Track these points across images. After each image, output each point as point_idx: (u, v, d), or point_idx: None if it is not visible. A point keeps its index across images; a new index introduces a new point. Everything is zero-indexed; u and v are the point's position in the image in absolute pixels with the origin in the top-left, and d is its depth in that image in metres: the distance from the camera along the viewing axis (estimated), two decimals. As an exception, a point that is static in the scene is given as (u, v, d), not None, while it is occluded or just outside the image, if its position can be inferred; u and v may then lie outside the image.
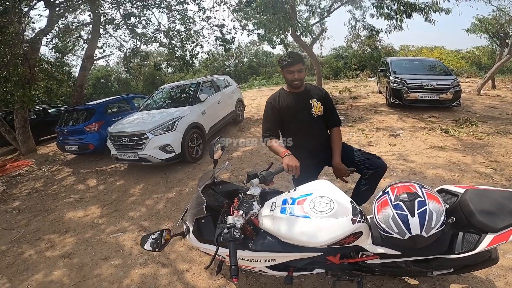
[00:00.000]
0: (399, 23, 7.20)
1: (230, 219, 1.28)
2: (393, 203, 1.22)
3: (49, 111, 9.94)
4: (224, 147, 1.77)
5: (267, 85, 18.66)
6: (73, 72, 12.83)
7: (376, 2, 7.32)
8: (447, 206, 1.42)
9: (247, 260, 1.48)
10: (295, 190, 1.52)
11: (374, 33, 8.84)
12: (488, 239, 1.20)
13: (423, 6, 6.57)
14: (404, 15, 6.81)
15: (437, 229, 1.17)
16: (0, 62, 5.91)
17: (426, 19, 6.65)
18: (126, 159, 4.61)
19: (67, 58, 12.69)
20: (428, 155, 3.99)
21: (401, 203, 1.20)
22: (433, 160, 3.83)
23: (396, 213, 1.18)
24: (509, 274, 1.86)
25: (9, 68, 5.82)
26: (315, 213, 1.31)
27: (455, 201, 1.40)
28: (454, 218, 1.29)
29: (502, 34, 11.47)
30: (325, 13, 9.33)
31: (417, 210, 1.16)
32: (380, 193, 1.36)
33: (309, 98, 1.94)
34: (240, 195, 1.51)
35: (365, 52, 22.20)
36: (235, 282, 1.31)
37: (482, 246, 1.21)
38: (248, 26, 8.16)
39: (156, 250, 1.43)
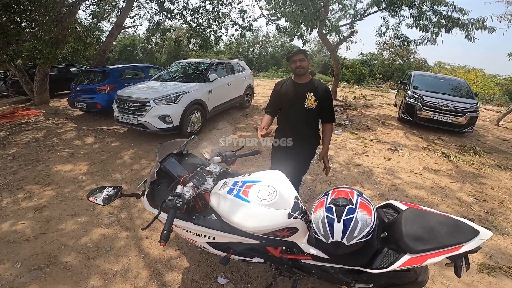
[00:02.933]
0: (433, 36, 6.92)
1: (178, 189, 1.32)
2: (326, 205, 1.25)
3: (71, 69, 10.35)
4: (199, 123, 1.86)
5: (285, 78, 18.37)
6: (103, 37, 13.18)
7: (416, 13, 7.00)
8: (386, 220, 1.44)
9: (190, 232, 1.53)
10: (249, 175, 1.56)
11: (405, 43, 8.50)
12: (403, 259, 1.21)
13: (466, 22, 6.28)
14: (443, 29, 6.55)
15: (359, 239, 1.18)
16: (37, 22, 6.18)
17: (466, 36, 6.37)
18: (126, 122, 4.84)
19: (100, 24, 12.98)
20: (418, 175, 3.93)
21: (333, 207, 1.22)
22: (421, 180, 3.77)
23: (326, 215, 1.21)
24: None
25: (44, 27, 6.08)
26: (256, 200, 1.34)
27: (394, 217, 1.41)
28: (387, 233, 1.31)
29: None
30: (358, 15, 9.03)
31: (344, 216, 1.18)
32: (322, 194, 1.39)
33: (306, 90, 2.10)
34: (198, 169, 1.55)
35: (395, 62, 21.44)
36: (162, 246, 1.38)
37: (396, 265, 1.21)
38: (274, 16, 8.06)
39: (102, 203, 1.50)
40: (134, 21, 10.68)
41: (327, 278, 1.60)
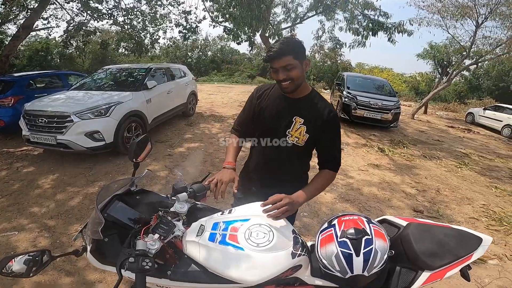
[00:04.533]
0: (364, 39, 7.53)
1: (140, 244, 0.99)
2: (338, 240, 1.12)
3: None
4: (149, 147, 1.43)
5: (226, 82, 18.30)
6: (7, 41, 10.89)
7: (348, 17, 7.60)
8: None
9: None
10: (230, 211, 1.26)
11: (338, 46, 9.22)
12: (424, 276, 1.17)
13: (389, 25, 6.96)
14: (371, 32, 7.13)
15: (379, 267, 1.10)
16: None
17: (389, 39, 7.03)
18: (40, 143, 3.94)
19: (4, 27, 10.71)
20: (365, 172, 4.21)
21: (348, 241, 1.10)
22: (369, 177, 4.03)
23: (341, 251, 1.09)
24: None
25: None
26: (250, 245, 1.12)
27: (396, 233, 1.36)
28: (393, 252, 1.22)
29: (446, 62, 13.05)
30: (299, 19, 9.47)
31: (363, 249, 1.08)
32: (326, 225, 1.22)
33: (296, 113, 1.31)
34: (160, 213, 1.19)
35: (326, 64, 23.38)
36: None
37: (418, 283, 1.16)
38: (218, 18, 7.84)
39: (25, 275, 0.98)
40: (48, 22, 9.08)
41: None
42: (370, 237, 1.11)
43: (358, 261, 1.07)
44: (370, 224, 1.17)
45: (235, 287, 1.16)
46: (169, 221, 1.16)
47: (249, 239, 1.14)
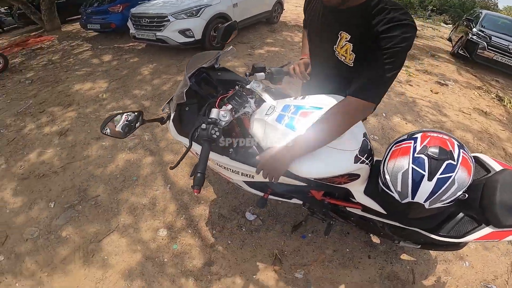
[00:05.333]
0: None
1: (213, 113, 1.03)
2: (415, 155, 0.95)
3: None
4: (235, 31, 1.41)
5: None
6: None
7: None
8: None
9: (225, 168, 1.28)
10: (303, 98, 1.16)
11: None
12: (484, 231, 1.03)
13: None
14: None
15: (445, 203, 0.94)
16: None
17: None
18: (143, 38, 4.66)
19: None
20: (467, 115, 3.53)
21: (426, 159, 0.92)
22: (469, 122, 3.38)
23: (413, 168, 0.93)
24: (453, 264, 1.74)
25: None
26: None
27: (482, 176, 1.14)
28: (467, 195, 1.00)
29: None
30: None
31: (440, 174, 0.91)
32: (405, 136, 1.06)
33: (342, 27, 1.01)
34: (237, 87, 1.23)
35: (456, -4, 17.88)
36: (196, 194, 1.15)
37: (472, 237, 1.05)
38: None
39: (121, 136, 1.19)
40: None
41: (368, 229, 1.45)
42: (455, 163, 0.91)
43: (426, 187, 0.91)
44: (461, 150, 0.96)
45: (285, 179, 1.15)
46: (243, 95, 1.19)
47: None
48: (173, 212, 2.10)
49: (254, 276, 1.66)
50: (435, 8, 17.36)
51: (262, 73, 1.26)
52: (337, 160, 0.99)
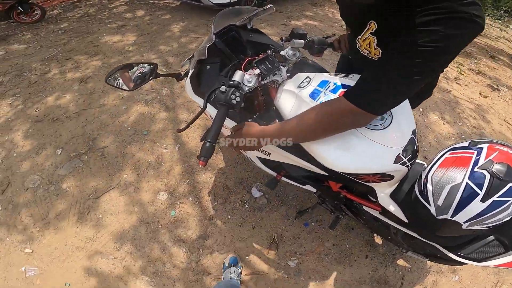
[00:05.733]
0: None
1: (237, 75, 0.90)
2: (475, 169, 0.78)
3: None
4: None
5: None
6: None
7: None
8: None
9: None
10: (346, 76, 0.99)
11: None
12: (507, 258, 0.94)
13: None
14: None
15: (485, 227, 0.81)
16: None
17: None
18: None
19: None
20: (510, 127, 2.90)
21: (487, 176, 0.76)
22: (510, 134, 2.78)
23: (467, 184, 0.77)
24: (444, 276, 1.63)
25: None
26: None
27: None
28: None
29: None
30: None
31: (498, 197, 0.75)
32: (465, 144, 0.88)
33: (373, 16, 0.77)
34: (269, 51, 1.09)
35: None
36: (201, 166, 0.99)
37: (492, 262, 0.96)
38: None
39: (128, 88, 1.07)
40: None
41: (378, 230, 1.37)
42: None
43: (475, 207, 0.78)
44: None
45: (305, 164, 1.02)
46: (275, 61, 1.04)
47: None
48: (177, 175, 1.91)
49: (247, 257, 1.58)
50: (509, 10, 14.45)
51: (302, 41, 1.09)
52: (375, 157, 0.86)
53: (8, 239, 1.61)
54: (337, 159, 0.86)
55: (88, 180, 1.86)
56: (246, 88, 0.90)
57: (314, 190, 1.28)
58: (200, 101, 1.11)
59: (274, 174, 1.26)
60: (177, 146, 2.07)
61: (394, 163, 0.86)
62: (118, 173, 1.90)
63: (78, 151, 2.03)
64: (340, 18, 1.03)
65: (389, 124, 0.86)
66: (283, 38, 1.15)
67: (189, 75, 1.13)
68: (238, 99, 0.83)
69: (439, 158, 0.86)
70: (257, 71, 0.98)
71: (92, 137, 2.13)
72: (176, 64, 2.96)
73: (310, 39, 1.13)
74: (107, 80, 1.09)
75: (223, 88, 0.84)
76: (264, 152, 1.13)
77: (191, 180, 1.87)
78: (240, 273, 1.46)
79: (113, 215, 1.70)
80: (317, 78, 0.98)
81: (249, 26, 1.22)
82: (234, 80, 0.87)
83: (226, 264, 1.49)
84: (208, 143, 0.77)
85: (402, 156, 0.86)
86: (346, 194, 1.18)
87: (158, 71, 1.11)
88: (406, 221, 1.00)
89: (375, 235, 1.64)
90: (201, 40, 3.40)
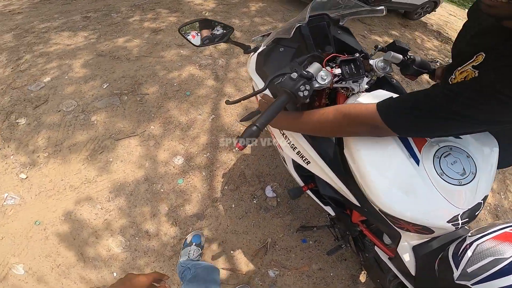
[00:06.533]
0: None
1: (314, 67, 0.80)
2: None
3: None
4: None
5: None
6: None
7: None
8: None
9: (284, 136, 1.08)
10: None
11: None
12: None
13: None
14: None
15: None
16: None
17: None
18: None
19: None
20: None
21: None
22: None
23: (510, 262, 0.66)
24: None
25: None
26: (434, 168, 0.76)
27: None
28: None
29: None
30: None
31: None
32: None
33: (484, 47, 0.60)
34: (357, 55, 0.96)
35: None
36: (237, 149, 0.78)
37: None
38: None
39: (198, 43, 1.09)
40: None
41: (373, 272, 1.29)
42: None
43: (503, 282, 0.68)
44: None
45: (341, 185, 0.95)
46: (361, 67, 0.92)
47: (440, 161, 0.79)
48: (200, 145, 1.76)
49: (231, 252, 1.46)
50: None
51: (401, 56, 0.96)
52: (434, 210, 0.77)
53: (12, 158, 1.62)
54: (393, 201, 0.76)
55: (117, 119, 1.83)
56: (317, 85, 0.81)
57: (333, 213, 1.18)
58: (258, 81, 1.05)
59: (301, 184, 1.18)
60: (211, 117, 1.93)
61: (447, 221, 0.78)
62: (146, 122, 1.84)
63: (122, 90, 2.03)
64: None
65: (468, 183, 0.75)
66: (378, 46, 1.06)
67: (258, 51, 1.08)
68: (306, 92, 0.74)
69: (496, 230, 0.78)
70: (337, 71, 0.87)
71: (139, 81, 2.12)
72: (241, 39, 2.84)
73: (411, 57, 1.01)
74: (180, 30, 1.08)
75: (294, 75, 0.75)
76: (303, 158, 1.02)
77: (211, 154, 1.71)
78: (200, 255, 1.32)
79: (123, 162, 1.63)
80: None
81: (341, 23, 1.13)
82: (309, 72, 0.77)
83: (188, 241, 1.34)
84: (255, 127, 0.67)
85: (459, 217, 0.77)
86: (364, 228, 1.11)
87: (231, 37, 1.09)
88: (413, 274, 0.95)
89: (362, 273, 1.56)
90: (273, 26, 3.26)
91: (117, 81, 2.10)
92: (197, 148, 1.73)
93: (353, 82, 0.90)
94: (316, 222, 1.61)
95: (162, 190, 1.54)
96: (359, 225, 1.13)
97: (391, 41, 1.02)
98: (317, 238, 1.58)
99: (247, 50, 1.15)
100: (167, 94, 2.04)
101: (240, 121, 1.87)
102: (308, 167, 1.03)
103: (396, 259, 1.00)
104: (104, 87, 2.04)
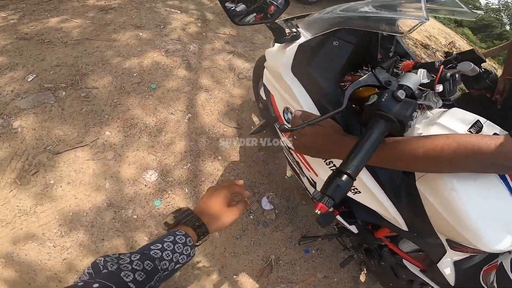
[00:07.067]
0: None
1: (410, 79, 0.60)
2: None
3: None
4: None
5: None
6: None
7: None
8: None
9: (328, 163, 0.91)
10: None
11: None
12: None
13: None
14: None
15: None
16: None
17: None
18: None
19: None
20: None
21: None
22: None
23: None
24: None
25: None
26: None
27: None
28: None
29: None
30: None
31: None
32: None
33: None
34: (437, 63, 0.73)
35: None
36: (318, 210, 0.44)
37: None
38: None
39: (233, 16, 0.77)
40: None
41: (385, 277, 1.23)
42: None
43: None
44: None
45: (387, 213, 0.79)
46: (457, 82, 0.70)
47: None
48: (177, 153, 1.37)
49: (234, 276, 1.30)
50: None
51: (477, 68, 0.77)
52: (498, 234, 0.65)
53: None
54: (496, 240, 0.65)
55: (53, 124, 1.32)
56: (418, 101, 0.62)
57: (355, 231, 1.08)
58: (295, 84, 0.79)
59: (331, 209, 1.02)
60: (187, 116, 1.52)
61: (498, 243, 0.66)
62: (98, 126, 1.36)
63: (56, 83, 1.49)
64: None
65: None
66: (448, 52, 0.89)
67: (299, 41, 0.80)
68: (413, 113, 0.54)
69: None
70: (439, 87, 0.64)
71: (82, 71, 1.59)
72: (213, 23, 2.41)
73: (487, 70, 0.89)
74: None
75: (401, 93, 0.54)
76: (353, 189, 0.80)
77: (192, 165, 1.34)
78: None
79: (71, 185, 1.15)
80: (490, 127, 0.68)
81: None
82: (406, 85, 0.58)
83: None
84: (345, 176, 0.46)
85: None
86: (388, 243, 1.02)
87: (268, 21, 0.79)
88: (452, 285, 0.91)
89: (362, 272, 1.53)
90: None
91: (49, 72, 1.54)
92: (173, 158, 1.32)
93: (427, 99, 0.69)
94: (315, 229, 1.52)
95: (135, 217, 1.13)
96: (383, 240, 1.05)
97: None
98: (319, 247, 1.51)
99: (283, 35, 0.84)
100: (125, 88, 1.56)
101: (251, 134, 1.52)
102: (354, 196, 0.83)
103: (431, 272, 0.96)
104: (29, 80, 1.47)
